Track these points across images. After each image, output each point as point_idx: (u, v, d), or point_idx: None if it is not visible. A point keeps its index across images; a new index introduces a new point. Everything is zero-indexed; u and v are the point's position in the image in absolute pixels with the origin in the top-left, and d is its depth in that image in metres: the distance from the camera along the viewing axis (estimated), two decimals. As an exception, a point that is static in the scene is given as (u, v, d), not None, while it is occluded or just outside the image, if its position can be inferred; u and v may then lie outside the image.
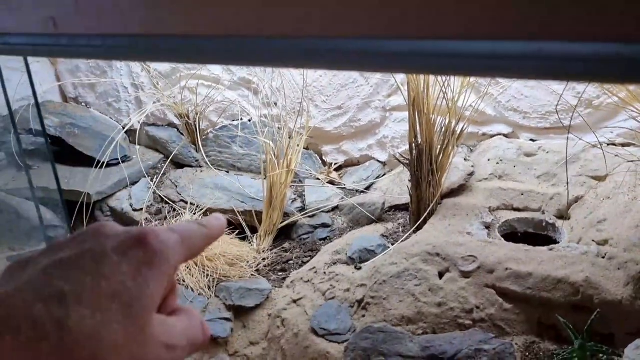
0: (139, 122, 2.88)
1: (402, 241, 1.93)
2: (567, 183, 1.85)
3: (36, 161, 2.65)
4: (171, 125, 2.94)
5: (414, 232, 2.00)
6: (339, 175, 2.61)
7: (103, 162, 2.62)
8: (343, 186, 2.50)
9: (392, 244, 1.96)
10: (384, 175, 2.51)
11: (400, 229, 2.12)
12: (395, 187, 2.33)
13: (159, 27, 0.59)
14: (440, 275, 1.73)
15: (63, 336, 0.31)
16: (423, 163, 1.95)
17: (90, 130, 2.89)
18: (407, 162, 2.00)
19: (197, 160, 2.81)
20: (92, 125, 2.93)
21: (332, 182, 2.55)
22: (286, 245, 2.30)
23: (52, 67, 3.14)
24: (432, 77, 1.90)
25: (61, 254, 0.36)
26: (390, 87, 2.43)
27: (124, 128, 2.79)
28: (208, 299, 2.00)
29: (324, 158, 2.68)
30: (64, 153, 2.81)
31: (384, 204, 2.24)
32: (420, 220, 2.00)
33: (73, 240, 0.38)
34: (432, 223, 1.98)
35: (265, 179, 2.26)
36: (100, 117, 3.05)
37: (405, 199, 2.21)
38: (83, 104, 3.11)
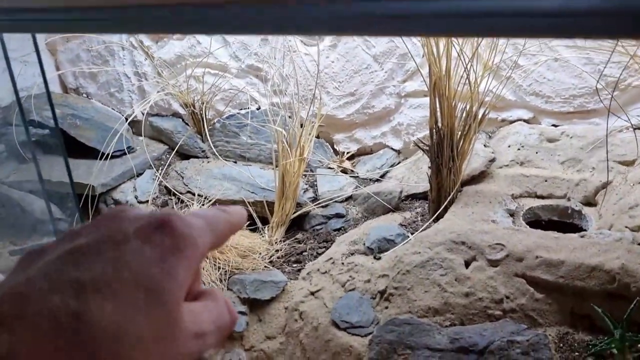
0: (142, 112, 2.80)
1: (423, 230, 1.86)
2: (607, 166, 1.77)
3: (38, 153, 2.57)
4: (176, 115, 2.86)
5: (434, 220, 1.92)
6: (352, 164, 2.53)
7: (107, 154, 2.53)
8: (356, 175, 2.42)
9: (412, 234, 1.88)
10: (399, 163, 2.43)
11: (419, 218, 2.05)
12: (412, 176, 2.26)
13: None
14: (467, 264, 1.66)
15: (81, 331, 0.28)
16: (444, 149, 1.87)
17: (92, 121, 2.81)
18: (427, 148, 1.93)
19: (203, 151, 2.73)
20: (94, 116, 2.85)
21: (344, 171, 2.47)
22: (299, 236, 2.22)
23: (52, 57, 3.05)
24: (453, 61, 1.83)
25: (78, 241, 0.32)
26: (406, 72, 2.35)
27: (127, 119, 2.70)
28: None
29: (335, 147, 2.60)
30: (65, 145, 2.73)
31: (401, 192, 2.17)
32: (440, 209, 1.93)
33: (91, 226, 0.34)
34: (453, 211, 1.91)
35: (276, 168, 2.18)
36: (102, 108, 2.97)
37: (422, 187, 2.13)
38: (84, 95, 3.02)
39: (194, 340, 0.32)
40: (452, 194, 1.93)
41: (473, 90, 1.82)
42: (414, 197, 2.18)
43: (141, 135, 2.77)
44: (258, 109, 2.65)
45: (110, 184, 2.56)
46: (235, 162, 2.65)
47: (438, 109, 1.85)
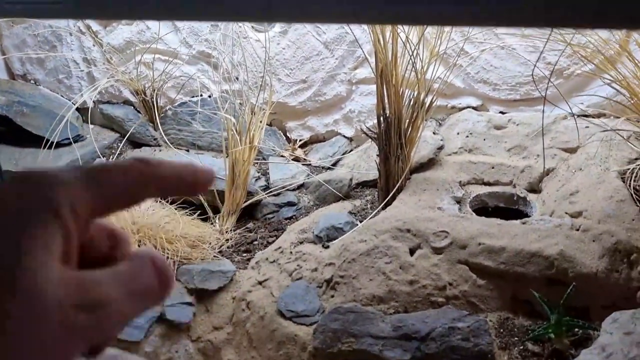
0: (91, 99, 2.73)
1: (371, 218, 1.86)
2: (543, 154, 1.80)
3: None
4: (127, 102, 2.80)
5: (383, 208, 1.93)
6: (304, 152, 2.52)
7: (53, 142, 2.46)
8: (308, 163, 2.41)
9: (361, 221, 1.88)
10: (351, 151, 2.43)
11: (369, 206, 2.05)
12: (363, 163, 2.26)
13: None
14: (412, 251, 1.67)
15: None
16: (391, 136, 1.87)
17: (40, 109, 2.73)
18: (375, 135, 1.92)
19: (155, 139, 2.68)
20: (42, 103, 2.77)
21: (297, 159, 2.46)
22: (250, 225, 2.20)
23: (-3, 42, 2.94)
24: (399, 47, 1.82)
25: None
26: (356, 59, 2.34)
27: (78, 108, 2.63)
28: (168, 282, 1.90)
29: (288, 134, 2.59)
30: (11, 133, 2.65)
31: (351, 180, 2.17)
32: (389, 196, 1.93)
33: None
34: (401, 198, 1.92)
35: (226, 156, 2.16)
36: (50, 95, 2.88)
37: (373, 175, 2.13)
38: (32, 81, 2.93)
39: (77, 313, 0.26)
40: (400, 181, 1.94)
41: (420, 77, 1.82)
42: (365, 184, 2.18)
43: (91, 124, 2.70)
44: (210, 96, 2.61)
45: (57, 173, 2.49)
46: (188, 151, 2.61)
47: (385, 96, 1.84)
